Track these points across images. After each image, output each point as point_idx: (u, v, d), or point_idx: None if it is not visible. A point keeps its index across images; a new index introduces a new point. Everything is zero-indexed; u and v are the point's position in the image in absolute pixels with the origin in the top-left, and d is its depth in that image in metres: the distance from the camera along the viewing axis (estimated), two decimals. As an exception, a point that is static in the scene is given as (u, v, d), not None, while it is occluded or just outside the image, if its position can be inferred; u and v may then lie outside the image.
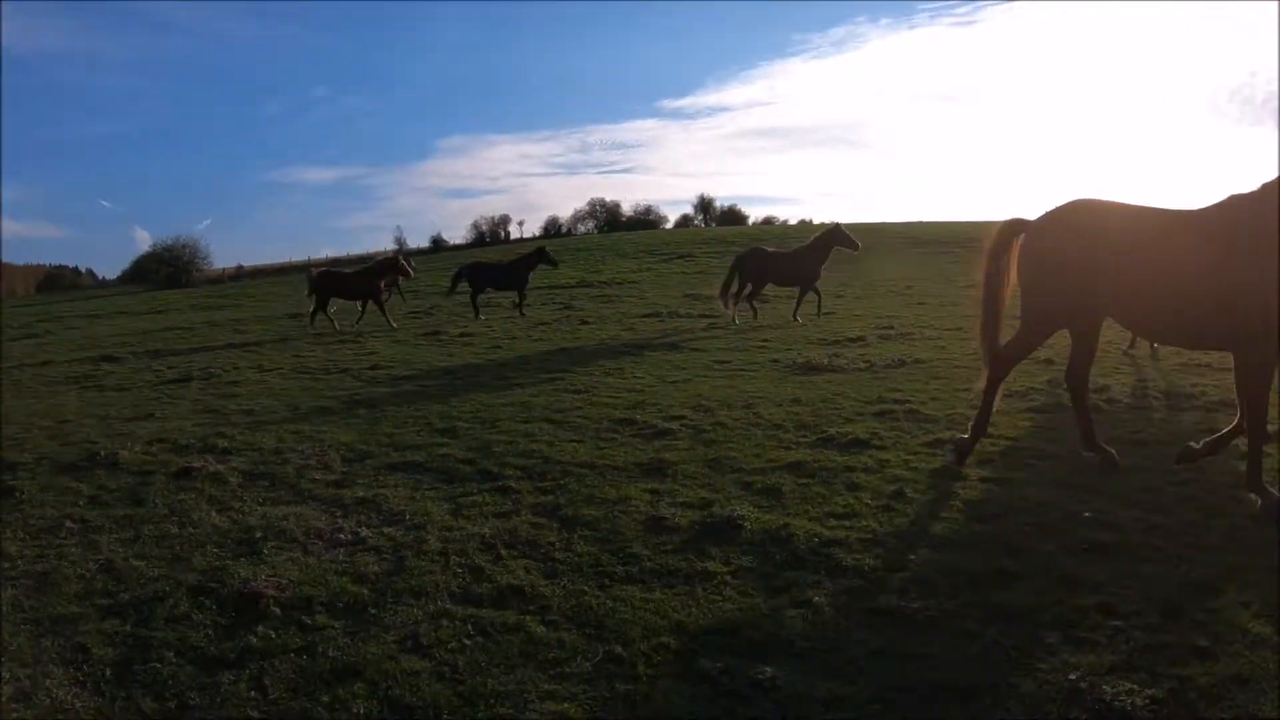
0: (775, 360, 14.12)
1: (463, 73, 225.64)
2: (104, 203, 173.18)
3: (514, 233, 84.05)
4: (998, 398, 8.06)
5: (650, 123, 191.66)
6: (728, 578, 5.53)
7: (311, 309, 23.66)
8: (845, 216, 77.43)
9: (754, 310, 21.27)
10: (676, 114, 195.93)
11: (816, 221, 78.74)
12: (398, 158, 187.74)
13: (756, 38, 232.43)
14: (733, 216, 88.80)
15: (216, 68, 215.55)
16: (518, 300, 25.83)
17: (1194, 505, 6.66)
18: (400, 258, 25.24)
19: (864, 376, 12.43)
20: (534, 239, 77.70)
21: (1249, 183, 6.67)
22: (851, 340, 16.45)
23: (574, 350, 16.82)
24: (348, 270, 26.65)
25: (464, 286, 26.27)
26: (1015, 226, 7.82)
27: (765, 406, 10.31)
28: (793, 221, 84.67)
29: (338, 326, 23.11)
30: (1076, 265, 7.15)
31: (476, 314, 24.94)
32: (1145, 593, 5.17)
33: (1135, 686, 4.20)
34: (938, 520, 6.44)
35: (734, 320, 20.70)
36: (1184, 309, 6.76)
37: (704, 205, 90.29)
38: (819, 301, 21.39)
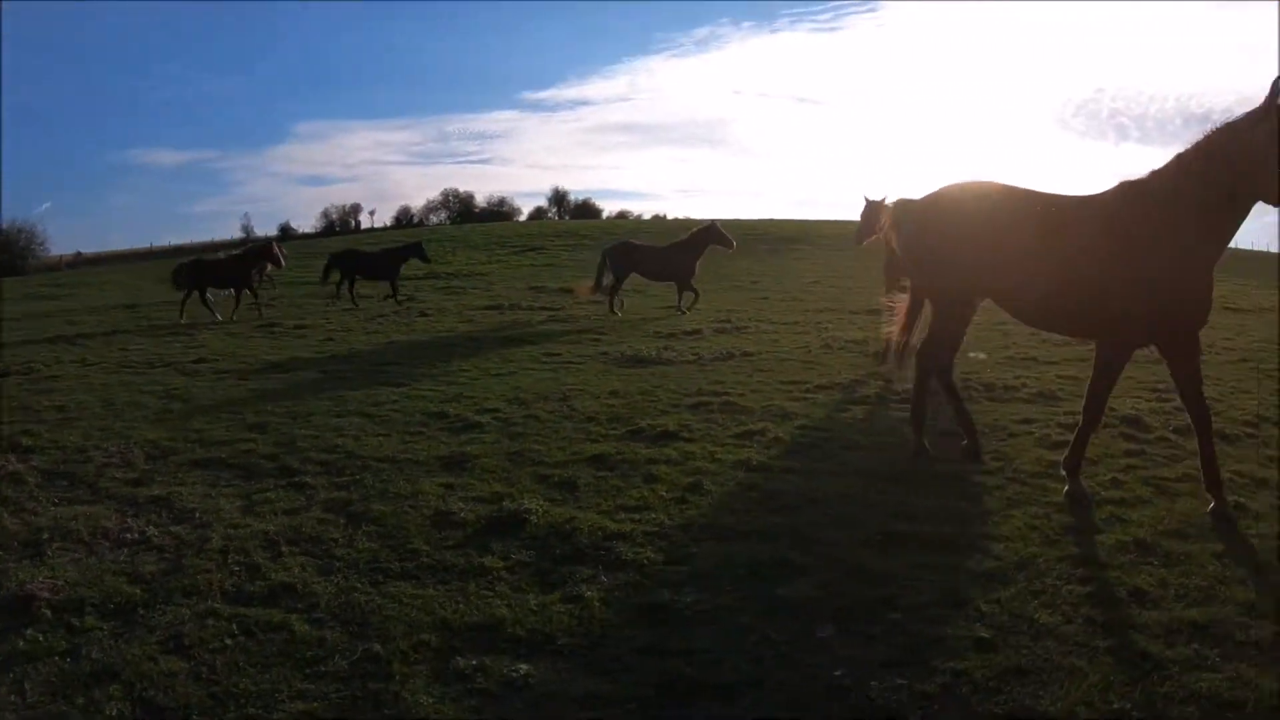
0: (605, 353, 14.06)
1: (322, 55, 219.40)
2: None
3: (365, 222, 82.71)
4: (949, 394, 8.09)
5: (510, 114, 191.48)
6: (504, 573, 5.40)
7: (183, 299, 22.60)
8: (700, 213, 78.16)
9: (614, 305, 21.04)
10: (537, 106, 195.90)
11: (670, 217, 79.57)
12: (251, 142, 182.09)
13: (620, 34, 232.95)
14: (587, 210, 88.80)
15: (54, 39, 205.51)
16: (391, 291, 25.49)
17: (998, 495, 6.83)
18: (274, 245, 24.46)
19: (690, 369, 12.45)
20: (385, 229, 76.45)
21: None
22: (687, 334, 16.48)
23: (406, 344, 16.46)
24: (221, 257, 25.79)
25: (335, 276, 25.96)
26: (902, 207, 7.90)
27: (582, 399, 10.21)
28: (646, 216, 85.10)
29: (220, 317, 22.16)
30: (955, 244, 7.20)
31: (355, 303, 24.73)
32: (933, 584, 5.21)
33: (904, 681, 4.19)
34: (731, 512, 6.41)
35: (616, 311, 20.60)
36: (1064, 294, 6.81)
37: (558, 198, 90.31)
38: (694, 299, 21.13)
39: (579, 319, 19.84)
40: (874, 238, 15.11)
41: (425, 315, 21.80)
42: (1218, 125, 6.15)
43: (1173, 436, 8.56)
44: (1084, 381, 11.48)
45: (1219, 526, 6.16)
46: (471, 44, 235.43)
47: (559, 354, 14.24)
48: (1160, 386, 10.85)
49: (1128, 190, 6.65)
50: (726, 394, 10.32)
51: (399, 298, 25.28)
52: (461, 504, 6.54)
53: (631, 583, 5.25)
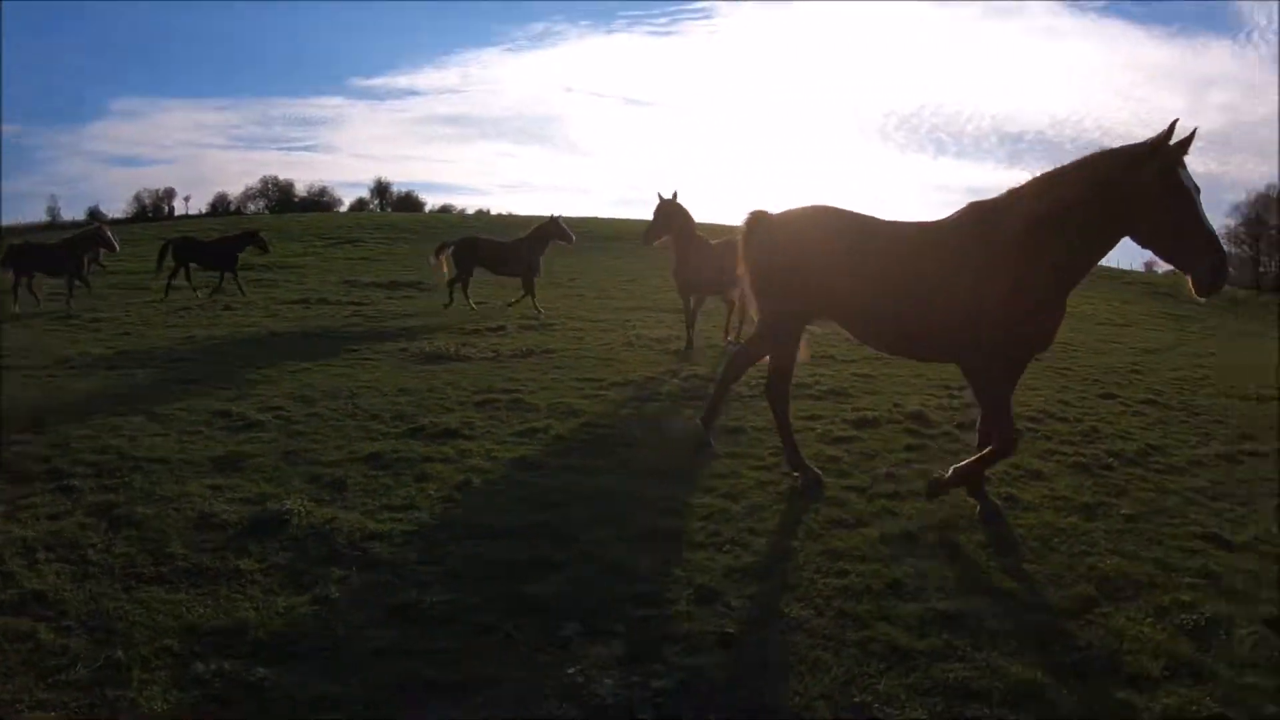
0: (404, 349, 14.04)
1: (143, 25, 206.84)
2: None
3: (179, 208, 79.81)
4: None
5: (337, 100, 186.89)
6: (258, 576, 5.41)
7: (13, 286, 21.59)
8: (526, 209, 78.19)
9: (453, 299, 20.91)
10: (366, 93, 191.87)
11: (495, 212, 79.14)
12: (63, 117, 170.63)
13: (455, 23, 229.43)
14: (409, 203, 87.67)
15: None
16: (231, 279, 24.80)
17: (770, 490, 7.14)
18: (104, 229, 23.42)
19: (487, 366, 12.57)
20: (200, 216, 74.14)
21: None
22: (491, 330, 16.59)
23: (205, 339, 16.05)
24: (50, 243, 24.40)
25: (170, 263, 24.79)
26: (757, 220, 7.55)
27: (369, 396, 10.23)
28: (470, 211, 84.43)
29: (40, 303, 21.32)
30: (808, 266, 7.04)
31: (195, 291, 24.21)
32: (687, 580, 5.42)
33: (639, 679, 4.33)
34: (495, 511, 6.54)
35: (468, 304, 20.65)
36: (913, 319, 6.69)
37: (380, 190, 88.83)
38: (529, 295, 20.52)
39: (386, 315, 19.70)
40: (663, 239, 15.29)
41: (230, 309, 21.31)
42: (1097, 152, 5.97)
43: (956, 431, 9.03)
44: (879, 379, 12.14)
45: (988, 519, 6.46)
46: (300, 24, 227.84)
47: (358, 350, 14.15)
48: (952, 384, 11.45)
49: (980, 212, 6.51)
50: (517, 391, 10.48)
51: (241, 287, 24.67)
52: (226, 505, 6.50)
53: (382, 583, 5.31)
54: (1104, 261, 6.46)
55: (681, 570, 5.53)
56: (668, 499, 6.78)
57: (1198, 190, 5.56)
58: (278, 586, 5.29)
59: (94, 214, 76.07)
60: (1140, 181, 5.61)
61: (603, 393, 10.78)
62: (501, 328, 16.80)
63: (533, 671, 4.45)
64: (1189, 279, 5.66)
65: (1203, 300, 5.69)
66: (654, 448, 8.27)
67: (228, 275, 25.00)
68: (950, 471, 6.59)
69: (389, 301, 22.83)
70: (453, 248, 21.73)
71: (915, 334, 6.79)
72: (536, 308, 19.93)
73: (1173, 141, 5.57)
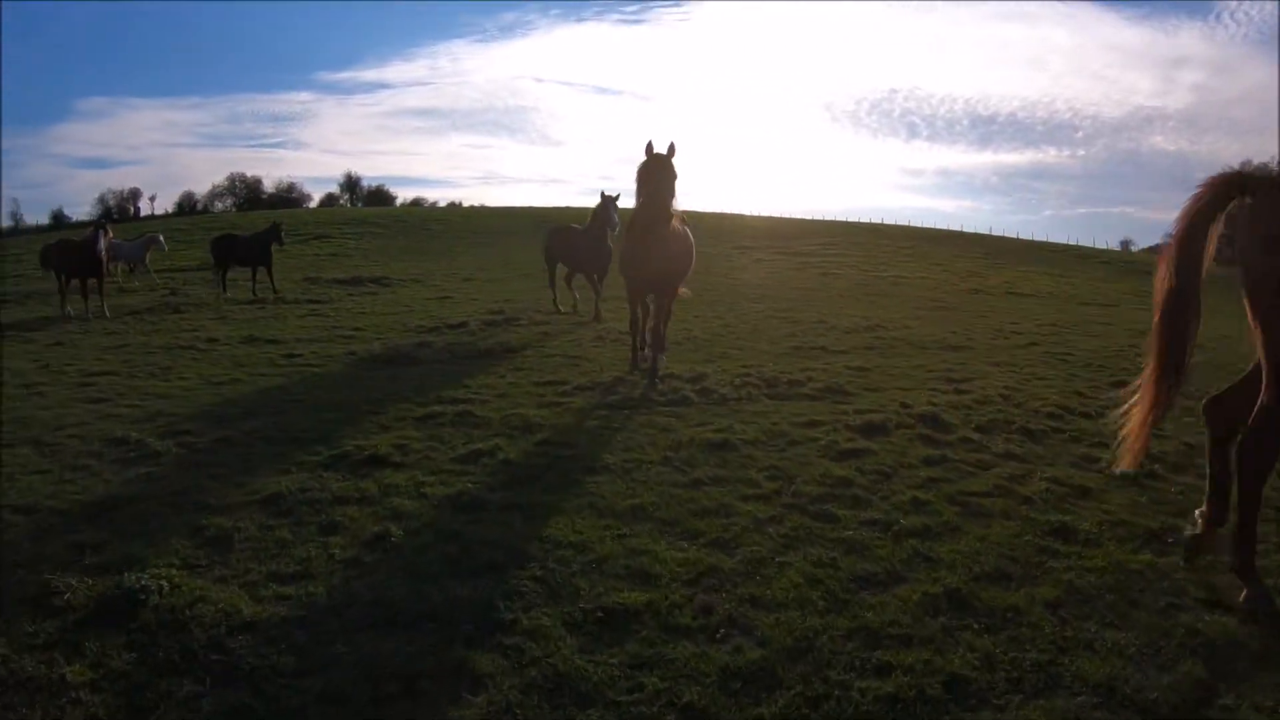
0: (352, 353, 12.76)
1: (108, 24, 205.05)
2: None
3: (145, 209, 77.82)
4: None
5: (305, 95, 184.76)
6: (83, 693, 3.83)
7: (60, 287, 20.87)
8: (497, 200, 76.97)
9: (559, 299, 18.23)
10: (334, 87, 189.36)
11: (467, 204, 77.73)
12: (27, 118, 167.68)
13: (423, 14, 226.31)
14: (380, 197, 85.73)
15: None
16: (266, 277, 23.87)
17: (768, 532, 5.79)
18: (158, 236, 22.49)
19: (439, 369, 11.25)
20: (167, 216, 72.38)
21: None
22: (452, 327, 15.41)
23: (137, 347, 14.62)
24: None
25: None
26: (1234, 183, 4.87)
27: (295, 413, 8.85)
28: (442, 204, 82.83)
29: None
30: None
31: (224, 289, 23.27)
32: (667, 695, 4.16)
33: None
34: (411, 579, 5.05)
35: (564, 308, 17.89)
36: None
37: (350, 185, 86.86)
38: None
39: (344, 313, 18.31)
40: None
41: (179, 312, 19.92)
42: None
43: (977, 437, 7.95)
44: (875, 373, 10.89)
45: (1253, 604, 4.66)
46: (267, 19, 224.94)
47: (301, 355, 12.80)
48: (956, 377, 10.26)
49: None
50: (467, 401, 9.11)
51: (274, 285, 23.72)
52: (77, 577, 5.00)
53: (237, 709, 3.80)
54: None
55: (659, 679, 3.98)
56: (639, 553, 5.31)
57: None
58: (103, 713, 3.81)
59: (57, 217, 74.34)
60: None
61: (565, 400, 9.42)
62: (463, 324, 15.47)
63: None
64: None
65: None
66: (623, 475, 6.86)
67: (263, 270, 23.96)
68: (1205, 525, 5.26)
69: (349, 299, 21.47)
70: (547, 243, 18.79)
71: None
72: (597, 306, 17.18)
73: None
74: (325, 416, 8.64)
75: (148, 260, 29.00)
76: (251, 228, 23.84)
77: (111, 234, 21.67)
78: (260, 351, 13.40)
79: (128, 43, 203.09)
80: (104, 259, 20.25)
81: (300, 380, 10.89)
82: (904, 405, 8.92)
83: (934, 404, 8.98)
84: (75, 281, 20.32)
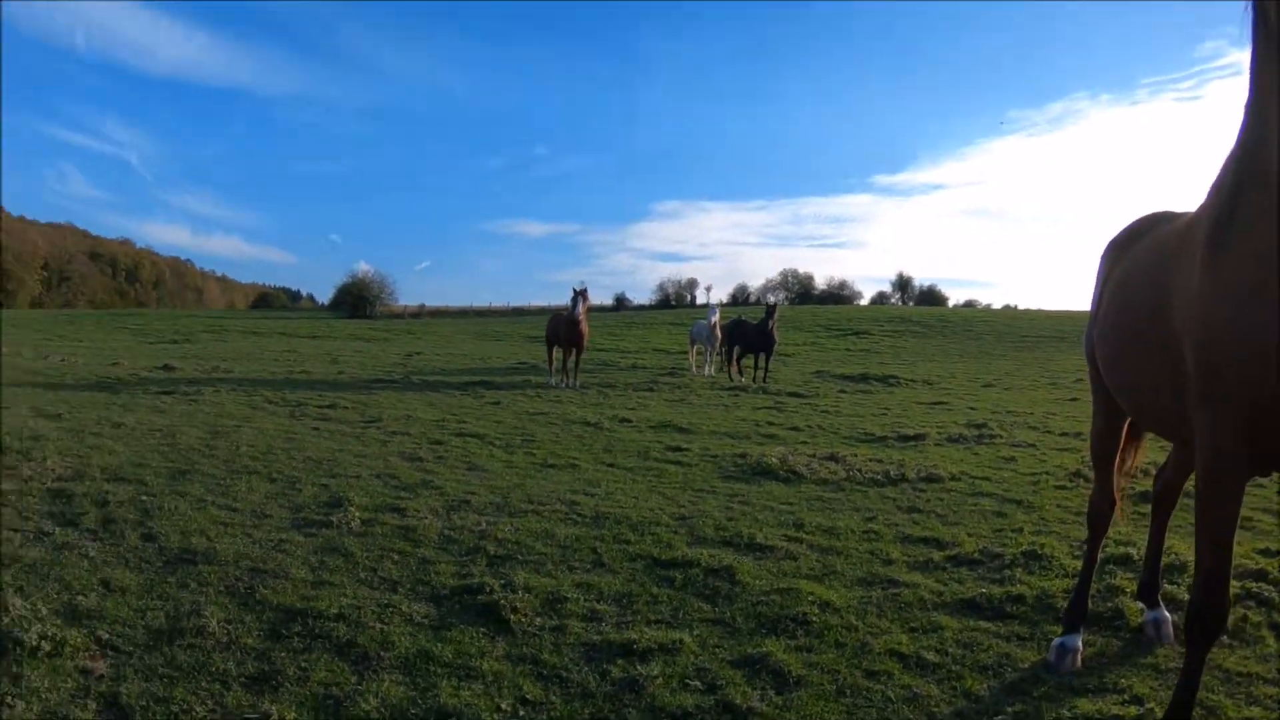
0: (743, 456, 10.31)
1: (680, 138, 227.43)
2: (332, 237, 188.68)
3: (700, 297, 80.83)
4: None
5: (864, 197, 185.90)
6: None
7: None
8: (1048, 304, 72.49)
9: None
10: (890, 189, 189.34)
11: (1021, 308, 73.02)
12: (611, 217, 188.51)
13: (970, 112, 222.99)
14: (932, 296, 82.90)
15: (434, 117, 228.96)
16: (761, 364, 23.39)
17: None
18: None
19: (849, 496, 8.52)
20: (721, 305, 74.45)
21: None
22: (907, 438, 12.37)
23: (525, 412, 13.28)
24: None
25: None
26: None
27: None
28: (996, 306, 78.48)
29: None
30: None
31: (741, 374, 23.51)
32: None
33: None
34: None
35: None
36: None
37: (902, 284, 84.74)
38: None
39: (810, 411, 15.93)
40: None
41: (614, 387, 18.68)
42: None
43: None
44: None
45: None
46: (822, 127, 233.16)
47: (685, 449, 10.61)
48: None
49: None
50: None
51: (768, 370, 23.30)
52: None
53: None
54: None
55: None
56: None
57: None
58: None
59: (619, 300, 79.72)
60: None
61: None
62: (920, 437, 12.45)
63: None
64: None
65: None
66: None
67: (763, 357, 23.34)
68: None
69: (839, 395, 19.16)
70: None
71: None
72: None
73: None
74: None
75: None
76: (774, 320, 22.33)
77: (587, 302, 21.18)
78: (655, 439, 11.42)
79: (697, 155, 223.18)
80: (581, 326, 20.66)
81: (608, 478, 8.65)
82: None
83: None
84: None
